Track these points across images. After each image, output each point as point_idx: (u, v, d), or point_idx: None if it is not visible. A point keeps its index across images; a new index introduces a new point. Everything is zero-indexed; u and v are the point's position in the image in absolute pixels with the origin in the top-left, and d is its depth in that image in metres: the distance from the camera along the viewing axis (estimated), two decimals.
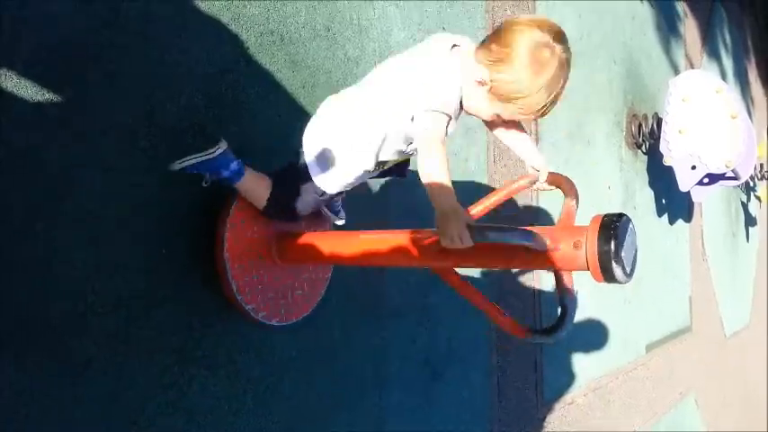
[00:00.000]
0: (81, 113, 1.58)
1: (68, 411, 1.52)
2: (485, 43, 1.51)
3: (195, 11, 1.86)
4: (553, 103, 1.50)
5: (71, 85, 1.56)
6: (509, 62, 1.45)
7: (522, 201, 3.35)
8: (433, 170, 1.45)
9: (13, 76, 1.46)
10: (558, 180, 1.80)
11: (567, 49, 1.47)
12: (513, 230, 1.46)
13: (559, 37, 1.47)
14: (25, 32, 1.48)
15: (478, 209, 1.79)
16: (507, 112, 1.55)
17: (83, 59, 1.59)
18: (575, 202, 1.69)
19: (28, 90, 1.48)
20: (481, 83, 1.50)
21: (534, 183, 1.84)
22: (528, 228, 1.50)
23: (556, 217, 1.76)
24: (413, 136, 1.60)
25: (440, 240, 1.43)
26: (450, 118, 1.53)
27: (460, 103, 1.58)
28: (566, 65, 1.47)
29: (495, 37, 1.49)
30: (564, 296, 1.51)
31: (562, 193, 1.75)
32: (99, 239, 1.60)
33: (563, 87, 1.49)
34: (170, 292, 1.76)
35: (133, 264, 1.67)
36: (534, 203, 3.44)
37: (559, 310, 1.52)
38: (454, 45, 1.56)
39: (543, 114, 1.53)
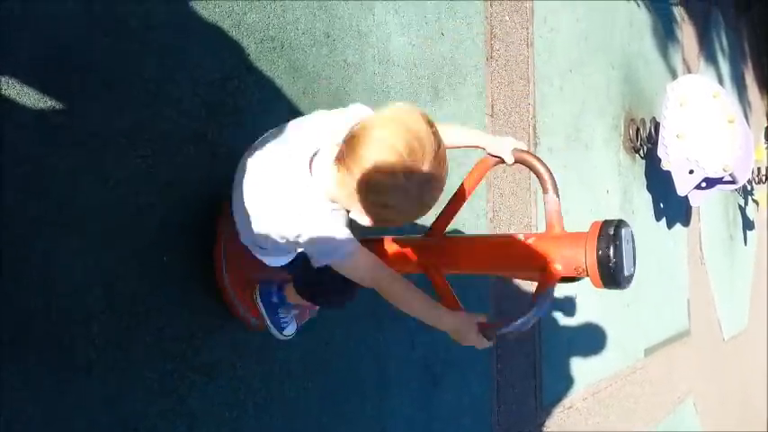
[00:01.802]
0: (82, 120, 1.58)
1: (69, 417, 1.52)
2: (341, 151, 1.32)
3: (196, 18, 1.86)
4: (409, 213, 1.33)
5: (72, 92, 1.57)
6: (353, 179, 1.28)
7: (521, 204, 3.36)
8: (406, 304, 1.41)
9: (16, 84, 1.47)
10: (525, 160, 1.62)
11: (424, 169, 1.24)
12: (524, 318, 1.45)
13: (419, 148, 1.23)
14: (26, 40, 1.49)
15: (455, 202, 1.72)
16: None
17: (84, 66, 1.60)
18: (555, 194, 1.55)
19: (30, 97, 1.49)
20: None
21: (501, 163, 1.68)
22: (535, 296, 1.46)
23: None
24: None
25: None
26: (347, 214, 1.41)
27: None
28: (415, 188, 1.25)
29: (350, 143, 1.29)
30: (539, 300, 1.48)
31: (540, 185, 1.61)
32: (100, 246, 1.61)
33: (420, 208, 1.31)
34: (171, 298, 1.76)
35: (134, 270, 1.68)
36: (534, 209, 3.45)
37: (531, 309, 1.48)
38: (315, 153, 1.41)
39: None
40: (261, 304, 1.89)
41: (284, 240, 1.46)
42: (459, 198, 1.71)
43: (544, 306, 1.45)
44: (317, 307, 1.98)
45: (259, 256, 1.66)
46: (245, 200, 1.52)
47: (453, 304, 1.55)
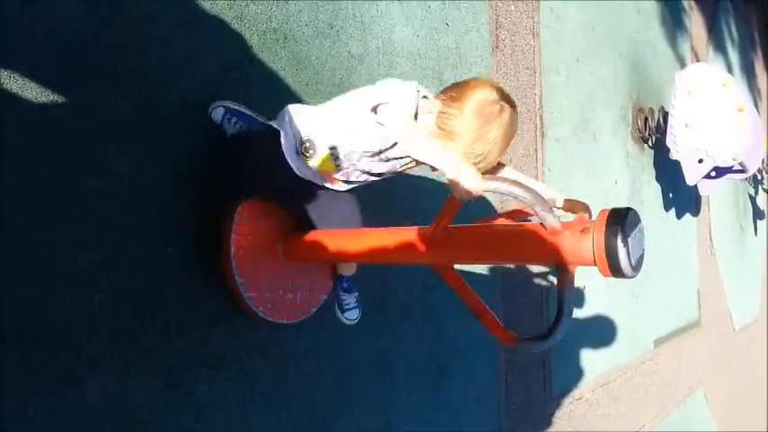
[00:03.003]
0: (84, 113, 1.58)
1: (75, 410, 1.53)
2: (445, 89, 1.65)
3: (198, 10, 1.85)
4: (490, 154, 1.60)
5: (74, 85, 1.57)
6: (460, 103, 1.58)
7: None
8: (425, 151, 1.53)
9: (18, 77, 1.47)
10: (574, 206, 1.75)
11: (513, 111, 1.59)
12: (525, 188, 1.41)
13: (508, 99, 1.60)
14: (28, 33, 1.49)
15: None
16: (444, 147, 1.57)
17: (86, 59, 1.59)
18: (587, 215, 1.66)
19: (32, 91, 1.49)
20: (431, 112, 1.62)
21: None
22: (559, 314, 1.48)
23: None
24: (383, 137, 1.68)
25: (455, 193, 1.47)
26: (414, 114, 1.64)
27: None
28: (509, 125, 1.59)
29: (455, 86, 1.63)
30: (562, 299, 1.49)
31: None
32: (104, 240, 1.60)
33: (503, 144, 1.60)
34: (176, 291, 1.76)
35: (139, 264, 1.68)
36: None
37: (555, 315, 1.50)
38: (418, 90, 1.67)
39: (477, 165, 1.56)
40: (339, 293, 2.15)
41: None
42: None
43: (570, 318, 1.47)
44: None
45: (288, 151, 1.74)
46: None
47: (471, 298, 1.57)
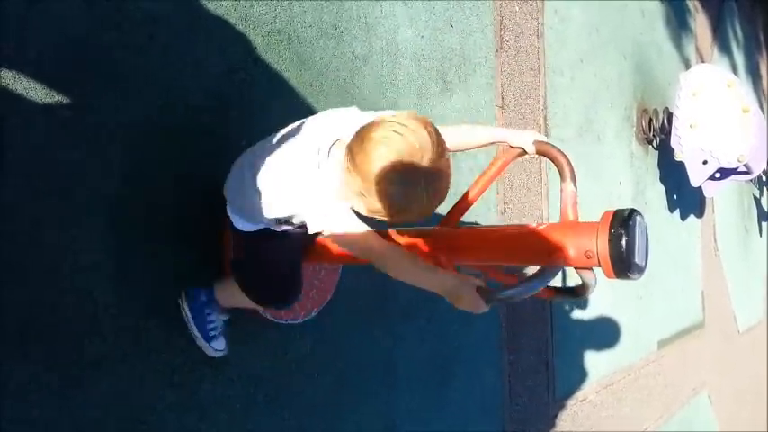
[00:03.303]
0: (88, 114, 1.59)
1: (79, 410, 1.53)
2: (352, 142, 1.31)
3: (202, 11, 1.86)
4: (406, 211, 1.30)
5: (79, 86, 1.57)
6: (359, 174, 1.28)
7: (532, 197, 3.34)
8: (401, 272, 1.39)
9: (22, 78, 1.47)
10: (547, 151, 1.60)
11: (427, 167, 1.24)
12: (527, 284, 1.43)
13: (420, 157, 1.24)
14: (33, 34, 1.49)
15: (475, 191, 1.70)
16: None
17: (90, 61, 1.60)
18: (572, 184, 1.53)
19: (37, 92, 1.49)
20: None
21: (523, 155, 1.67)
22: (540, 269, 1.46)
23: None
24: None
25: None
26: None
27: None
28: (420, 184, 1.25)
29: (356, 142, 1.29)
30: (540, 274, 1.48)
31: (558, 174, 1.59)
32: (107, 240, 1.61)
33: (419, 201, 1.28)
34: (180, 292, 1.76)
35: (142, 264, 1.68)
36: (544, 212, 3.43)
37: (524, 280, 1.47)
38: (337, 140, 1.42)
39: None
40: (187, 309, 1.77)
41: (278, 211, 1.48)
42: (476, 190, 1.70)
43: (547, 278, 1.43)
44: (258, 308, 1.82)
45: (230, 214, 1.63)
46: (254, 178, 1.52)
47: None
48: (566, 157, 1.58)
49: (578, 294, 1.55)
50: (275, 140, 1.55)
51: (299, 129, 1.52)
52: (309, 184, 1.39)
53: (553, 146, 1.61)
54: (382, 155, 1.23)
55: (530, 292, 1.44)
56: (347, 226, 1.39)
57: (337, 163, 1.37)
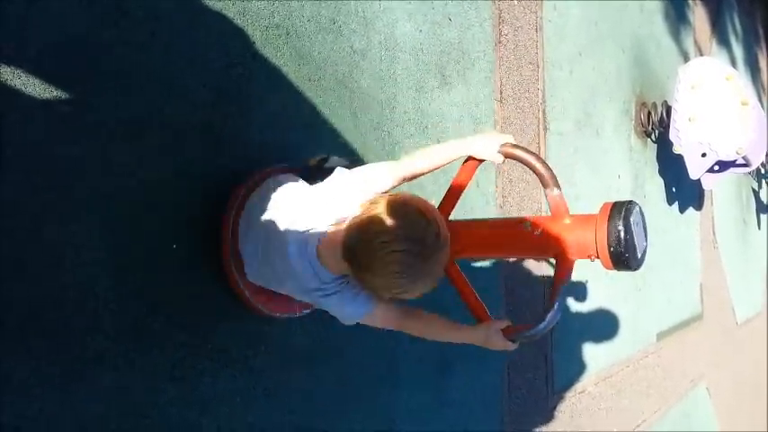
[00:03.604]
0: (87, 110, 1.59)
1: (80, 406, 1.54)
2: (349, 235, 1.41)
3: (201, 6, 1.86)
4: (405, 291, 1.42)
5: (78, 83, 1.57)
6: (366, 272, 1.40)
7: (530, 189, 3.34)
8: (429, 336, 1.57)
9: (21, 74, 1.47)
10: (519, 156, 1.54)
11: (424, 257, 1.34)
12: (547, 321, 1.52)
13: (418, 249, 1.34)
14: (32, 30, 1.49)
15: (459, 179, 1.69)
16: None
17: (89, 56, 1.60)
18: (556, 188, 1.50)
19: (36, 88, 1.49)
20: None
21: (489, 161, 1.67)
22: (553, 301, 1.50)
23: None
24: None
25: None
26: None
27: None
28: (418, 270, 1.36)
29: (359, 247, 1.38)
30: (556, 290, 1.51)
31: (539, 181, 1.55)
32: (108, 235, 1.61)
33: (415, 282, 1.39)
34: (180, 287, 1.77)
35: (143, 259, 1.68)
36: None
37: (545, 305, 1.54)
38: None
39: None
40: None
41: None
42: (449, 199, 1.70)
43: (560, 309, 1.52)
44: None
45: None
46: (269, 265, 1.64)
47: (469, 293, 1.58)
48: (540, 159, 1.53)
49: (537, 328, 1.59)
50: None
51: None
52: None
53: (524, 149, 1.55)
54: (391, 271, 1.34)
55: (551, 326, 1.53)
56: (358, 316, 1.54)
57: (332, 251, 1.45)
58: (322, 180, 1.64)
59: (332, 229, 1.47)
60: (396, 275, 1.34)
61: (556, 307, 1.50)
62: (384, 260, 1.32)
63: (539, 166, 1.52)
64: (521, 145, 1.57)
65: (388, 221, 1.32)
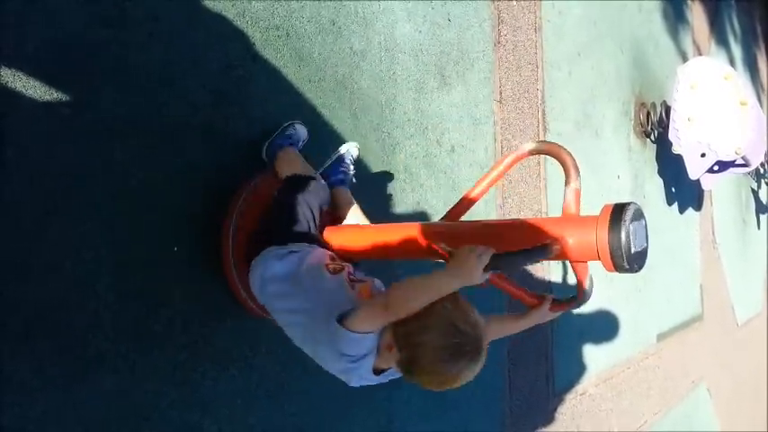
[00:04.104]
0: (88, 111, 1.59)
1: (82, 407, 1.53)
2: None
3: (201, 8, 1.85)
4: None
5: (78, 83, 1.57)
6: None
7: (531, 190, 3.34)
8: (405, 296, 1.41)
9: (21, 76, 1.47)
10: (552, 149, 1.64)
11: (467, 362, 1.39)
12: (526, 253, 1.46)
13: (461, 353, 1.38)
14: (32, 31, 1.49)
15: (481, 186, 1.73)
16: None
17: (88, 57, 1.59)
18: (578, 182, 1.55)
19: (36, 89, 1.49)
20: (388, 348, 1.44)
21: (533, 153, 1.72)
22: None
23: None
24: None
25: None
26: None
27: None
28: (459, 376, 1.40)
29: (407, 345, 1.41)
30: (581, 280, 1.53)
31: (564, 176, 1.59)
32: (109, 236, 1.61)
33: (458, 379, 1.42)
34: (182, 288, 1.77)
35: (145, 261, 1.68)
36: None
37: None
38: None
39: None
40: None
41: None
42: (479, 190, 1.73)
43: (545, 252, 1.46)
44: None
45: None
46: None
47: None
48: (570, 154, 1.60)
49: (579, 301, 1.61)
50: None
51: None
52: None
53: (553, 143, 1.64)
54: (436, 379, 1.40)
55: (528, 261, 1.48)
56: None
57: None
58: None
59: None
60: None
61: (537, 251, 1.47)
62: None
63: (567, 158, 1.59)
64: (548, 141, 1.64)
65: None
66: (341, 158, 2.09)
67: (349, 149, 2.11)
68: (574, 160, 1.58)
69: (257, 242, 1.74)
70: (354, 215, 1.95)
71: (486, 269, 1.41)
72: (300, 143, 2.02)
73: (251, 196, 1.85)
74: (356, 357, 1.44)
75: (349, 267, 1.67)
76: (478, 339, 1.39)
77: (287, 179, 1.83)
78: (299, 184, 1.80)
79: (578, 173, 1.56)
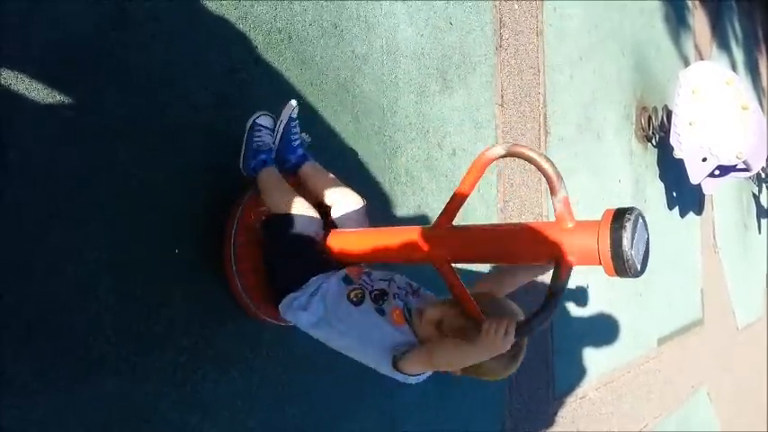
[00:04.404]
0: (90, 113, 1.59)
1: (83, 409, 1.54)
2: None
3: (203, 10, 1.86)
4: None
5: (80, 85, 1.57)
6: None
7: (532, 194, 3.34)
8: (446, 361, 1.65)
9: (24, 78, 1.48)
10: (521, 153, 1.60)
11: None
12: (544, 315, 1.52)
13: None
14: (34, 34, 1.49)
15: (466, 185, 1.69)
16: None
17: (91, 59, 1.60)
18: (564, 190, 1.50)
19: (39, 92, 1.50)
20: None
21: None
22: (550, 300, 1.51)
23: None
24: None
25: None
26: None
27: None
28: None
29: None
30: (554, 292, 1.50)
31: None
32: (111, 239, 1.61)
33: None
34: (182, 290, 1.77)
35: (146, 263, 1.69)
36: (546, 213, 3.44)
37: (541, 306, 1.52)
38: None
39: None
40: None
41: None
42: (467, 183, 1.69)
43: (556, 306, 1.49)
44: None
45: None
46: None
47: (462, 291, 1.56)
48: (549, 161, 1.57)
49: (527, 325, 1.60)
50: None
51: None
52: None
53: (532, 149, 1.63)
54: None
55: (546, 321, 1.56)
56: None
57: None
58: None
59: None
60: None
61: (550, 306, 1.50)
62: None
63: (547, 167, 1.53)
64: (527, 146, 1.64)
65: None
66: (288, 128, 1.95)
67: (290, 113, 1.95)
68: (554, 167, 1.52)
69: (272, 288, 1.81)
70: (336, 189, 1.90)
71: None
72: (272, 139, 1.93)
73: (253, 199, 1.85)
74: (417, 380, 1.71)
75: (368, 286, 1.71)
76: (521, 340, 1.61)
77: (267, 224, 1.83)
78: (283, 223, 1.78)
79: (561, 180, 1.51)
